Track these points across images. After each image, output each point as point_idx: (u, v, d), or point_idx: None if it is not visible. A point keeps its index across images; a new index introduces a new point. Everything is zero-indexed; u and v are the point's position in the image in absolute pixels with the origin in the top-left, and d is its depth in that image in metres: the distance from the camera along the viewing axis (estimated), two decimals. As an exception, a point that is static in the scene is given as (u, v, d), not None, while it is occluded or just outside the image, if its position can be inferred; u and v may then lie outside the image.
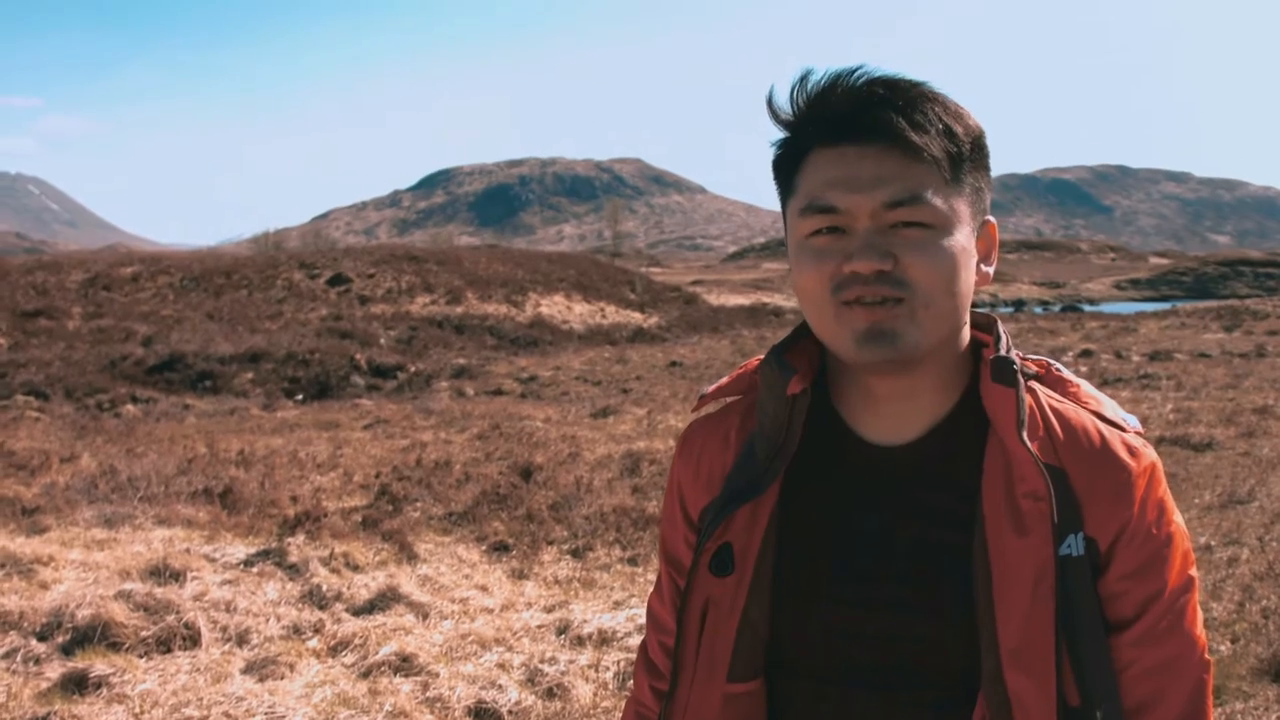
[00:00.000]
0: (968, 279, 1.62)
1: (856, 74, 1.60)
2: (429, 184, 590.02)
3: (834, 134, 1.59)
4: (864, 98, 1.58)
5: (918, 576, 1.63)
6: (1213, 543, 9.44)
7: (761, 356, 1.80)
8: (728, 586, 1.71)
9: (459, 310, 39.82)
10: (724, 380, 1.86)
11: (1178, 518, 1.65)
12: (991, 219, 1.69)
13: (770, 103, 1.66)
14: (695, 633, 1.75)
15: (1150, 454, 1.65)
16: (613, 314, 43.80)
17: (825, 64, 1.63)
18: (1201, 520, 10.28)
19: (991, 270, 1.69)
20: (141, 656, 6.76)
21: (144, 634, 6.93)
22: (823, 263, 1.59)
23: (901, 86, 1.58)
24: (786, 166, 1.67)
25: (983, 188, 1.65)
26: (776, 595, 1.70)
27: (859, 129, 1.57)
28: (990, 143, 1.66)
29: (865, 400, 1.71)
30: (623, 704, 6.22)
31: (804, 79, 1.63)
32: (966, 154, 1.61)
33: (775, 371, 1.71)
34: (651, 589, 1.96)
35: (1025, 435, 1.59)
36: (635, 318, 43.72)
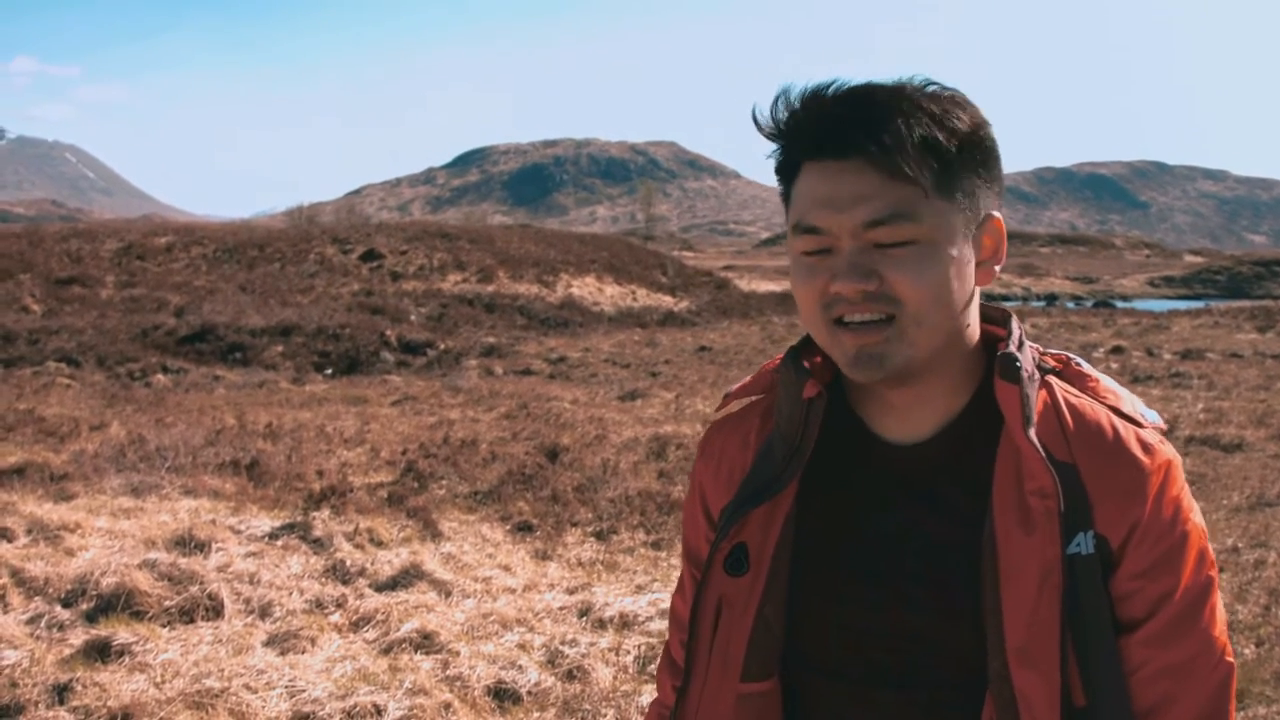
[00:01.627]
0: (962, 288, 1.60)
1: (830, 90, 1.59)
2: (464, 162, 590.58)
3: (816, 151, 1.59)
4: (832, 118, 1.56)
5: (930, 575, 1.64)
6: (1240, 545, 9.38)
7: (782, 356, 1.80)
8: (742, 586, 1.72)
9: (490, 289, 39.84)
10: (746, 380, 1.88)
11: (1195, 517, 1.63)
12: (996, 214, 1.66)
13: (756, 121, 1.65)
14: (709, 631, 1.76)
15: (1166, 451, 1.63)
16: (643, 297, 43.76)
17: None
18: (1229, 522, 10.23)
19: (998, 268, 1.67)
20: (164, 626, 6.80)
21: (167, 604, 6.97)
22: (812, 280, 1.60)
23: (875, 101, 1.56)
24: (785, 175, 1.67)
25: (979, 187, 1.62)
26: (792, 595, 1.71)
27: (840, 147, 1.56)
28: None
29: (879, 402, 1.72)
30: (642, 688, 6.24)
31: (782, 96, 1.62)
32: (954, 159, 1.57)
33: (792, 374, 1.72)
34: (675, 588, 1.97)
35: (1032, 432, 1.58)
36: (666, 301, 43.67)
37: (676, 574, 8.49)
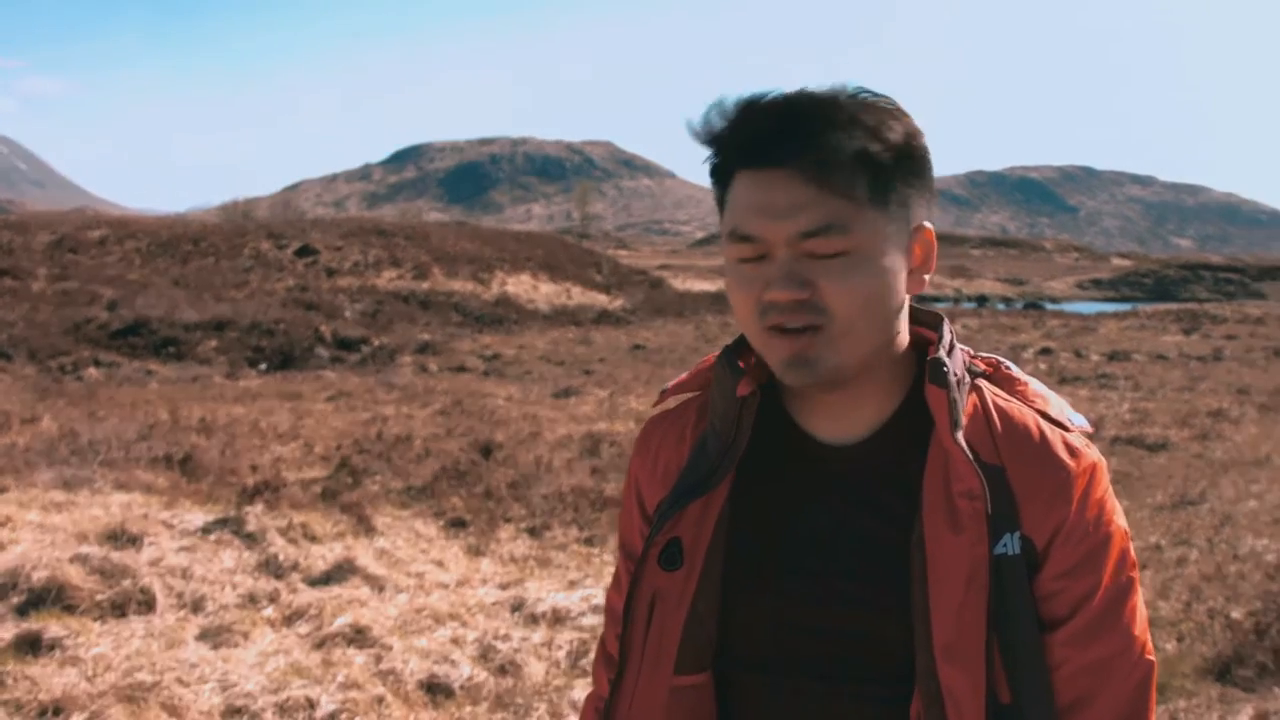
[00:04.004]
0: (892, 298, 1.63)
1: (765, 100, 1.59)
2: (400, 159, 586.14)
3: (750, 159, 1.60)
4: (770, 128, 1.58)
5: (862, 572, 1.65)
6: (1162, 543, 9.56)
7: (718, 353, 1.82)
8: (676, 580, 1.73)
9: (425, 286, 39.73)
10: (683, 377, 1.89)
11: (1119, 519, 1.67)
12: (928, 224, 1.68)
13: (691, 130, 1.66)
14: (643, 624, 1.76)
15: (1092, 454, 1.66)
16: (578, 295, 43.76)
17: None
18: (1152, 520, 10.41)
19: (928, 276, 1.69)
20: (96, 620, 6.76)
21: (99, 598, 6.94)
22: (748, 289, 1.61)
23: (810, 113, 1.58)
24: (720, 181, 1.68)
25: (912, 196, 1.64)
26: (725, 589, 1.72)
27: (775, 155, 1.57)
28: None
29: (812, 403, 1.73)
30: (574, 682, 6.29)
31: (716, 105, 1.63)
32: (888, 170, 1.59)
33: (726, 372, 1.74)
34: (610, 583, 1.96)
35: (960, 435, 1.62)
36: (601, 299, 43.68)
37: (610, 570, 8.54)
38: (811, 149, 1.55)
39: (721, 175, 1.67)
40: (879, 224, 1.59)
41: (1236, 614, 7.57)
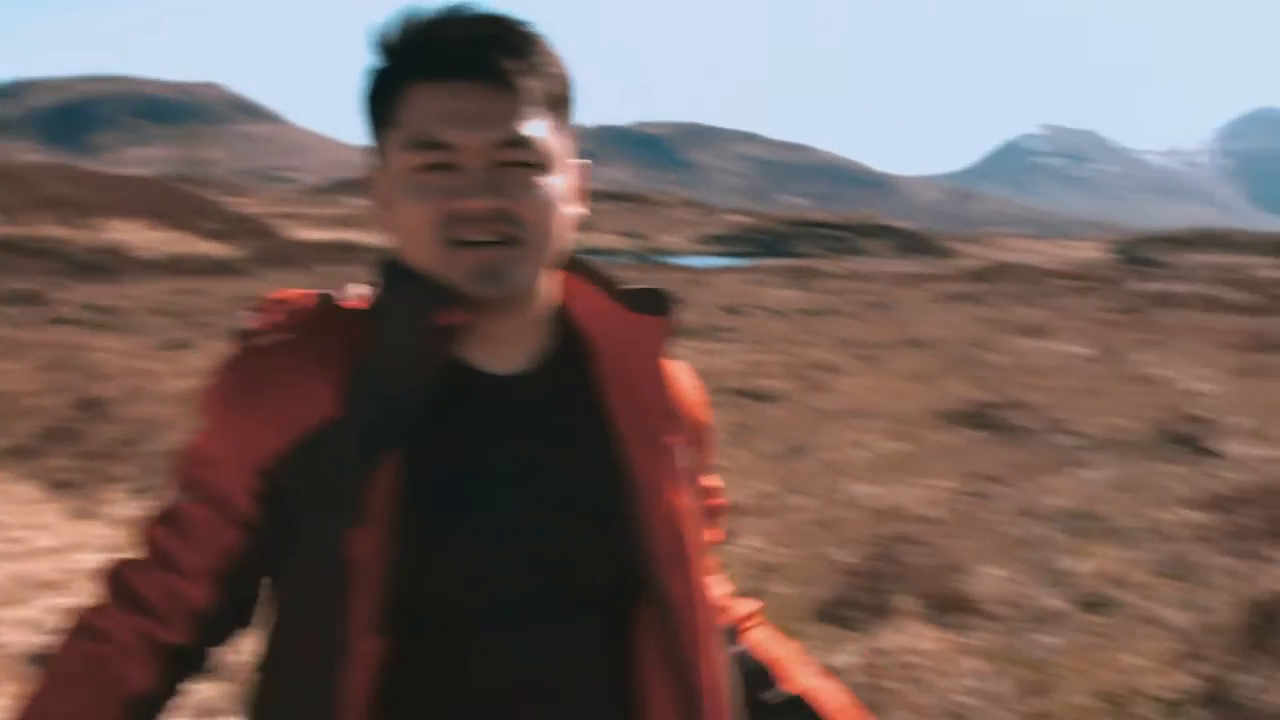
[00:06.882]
0: (568, 222, 1.66)
1: (468, 9, 1.58)
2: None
3: (445, 69, 1.56)
4: (478, 36, 1.56)
5: (561, 501, 1.62)
6: (775, 490, 9.90)
7: (310, 291, 1.70)
8: (368, 540, 1.53)
9: (21, 231, 37.81)
10: (267, 319, 1.65)
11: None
12: (586, 161, 1.73)
13: (378, 33, 1.61)
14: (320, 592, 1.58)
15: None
16: (192, 243, 42.59)
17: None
18: (765, 469, 10.78)
19: (582, 212, 1.72)
20: None
21: None
22: (430, 199, 1.55)
23: (514, 27, 1.58)
24: (384, 96, 1.61)
25: (572, 131, 1.67)
26: (417, 542, 1.54)
27: (473, 67, 1.55)
28: (586, 93, 1.69)
29: (479, 335, 1.63)
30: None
31: (412, 11, 1.59)
32: (567, 95, 1.63)
33: (413, 299, 1.58)
34: (154, 521, 1.70)
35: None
36: (215, 248, 42.61)
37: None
38: (516, 63, 1.57)
39: (391, 86, 1.61)
40: (558, 146, 1.62)
41: (847, 558, 7.91)
